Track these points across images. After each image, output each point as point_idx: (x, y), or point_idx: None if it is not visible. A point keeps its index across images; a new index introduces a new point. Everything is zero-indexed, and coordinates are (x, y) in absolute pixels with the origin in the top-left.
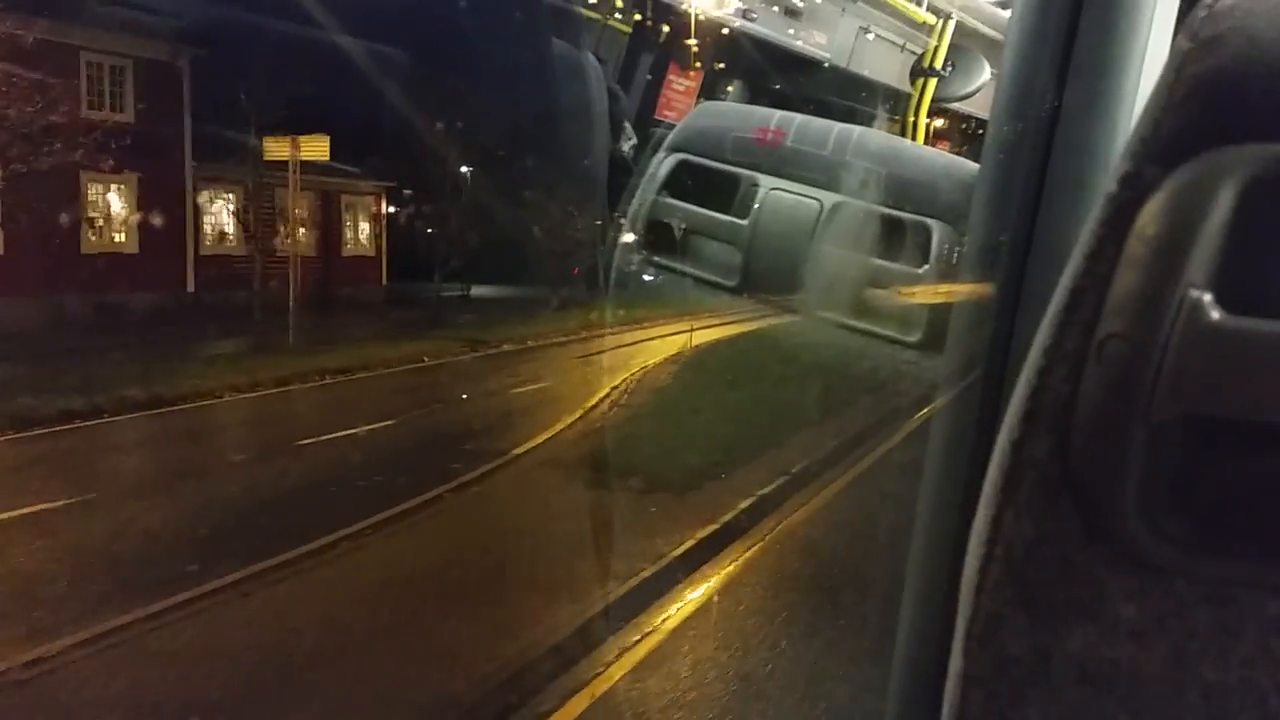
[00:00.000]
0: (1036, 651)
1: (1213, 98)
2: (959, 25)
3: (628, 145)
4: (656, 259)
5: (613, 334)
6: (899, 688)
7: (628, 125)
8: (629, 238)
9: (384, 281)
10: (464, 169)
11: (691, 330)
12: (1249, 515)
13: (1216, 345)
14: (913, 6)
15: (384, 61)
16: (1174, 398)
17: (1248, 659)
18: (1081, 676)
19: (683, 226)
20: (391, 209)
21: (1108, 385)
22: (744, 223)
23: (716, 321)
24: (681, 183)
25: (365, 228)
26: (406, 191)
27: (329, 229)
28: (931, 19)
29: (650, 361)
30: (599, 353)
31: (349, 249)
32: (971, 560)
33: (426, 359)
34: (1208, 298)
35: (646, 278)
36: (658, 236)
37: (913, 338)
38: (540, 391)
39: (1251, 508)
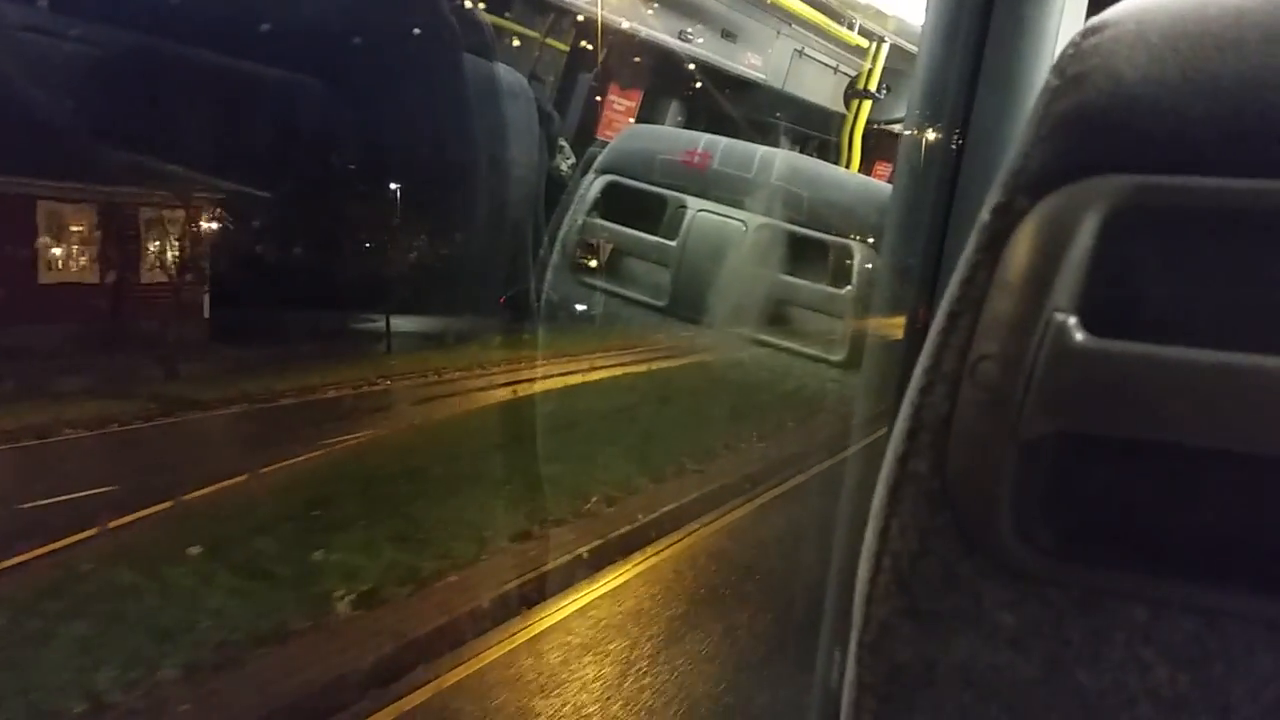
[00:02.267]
0: (923, 659)
1: (1076, 132)
2: (895, 50)
3: (565, 164)
4: (587, 280)
5: (525, 378)
6: (819, 695)
7: (565, 145)
8: (559, 259)
9: (206, 314)
10: (359, 190)
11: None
12: (1116, 527)
13: (1080, 365)
14: (844, 30)
15: (262, 78)
16: (1041, 415)
17: (1118, 664)
18: (966, 682)
19: (612, 247)
20: (238, 227)
21: (980, 404)
22: (673, 244)
23: (647, 355)
24: (611, 204)
25: (179, 249)
26: (275, 212)
27: (121, 251)
28: (864, 42)
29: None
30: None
31: (152, 274)
32: (863, 571)
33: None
34: (1072, 320)
35: (579, 306)
36: (588, 258)
37: (837, 356)
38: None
39: (1117, 520)
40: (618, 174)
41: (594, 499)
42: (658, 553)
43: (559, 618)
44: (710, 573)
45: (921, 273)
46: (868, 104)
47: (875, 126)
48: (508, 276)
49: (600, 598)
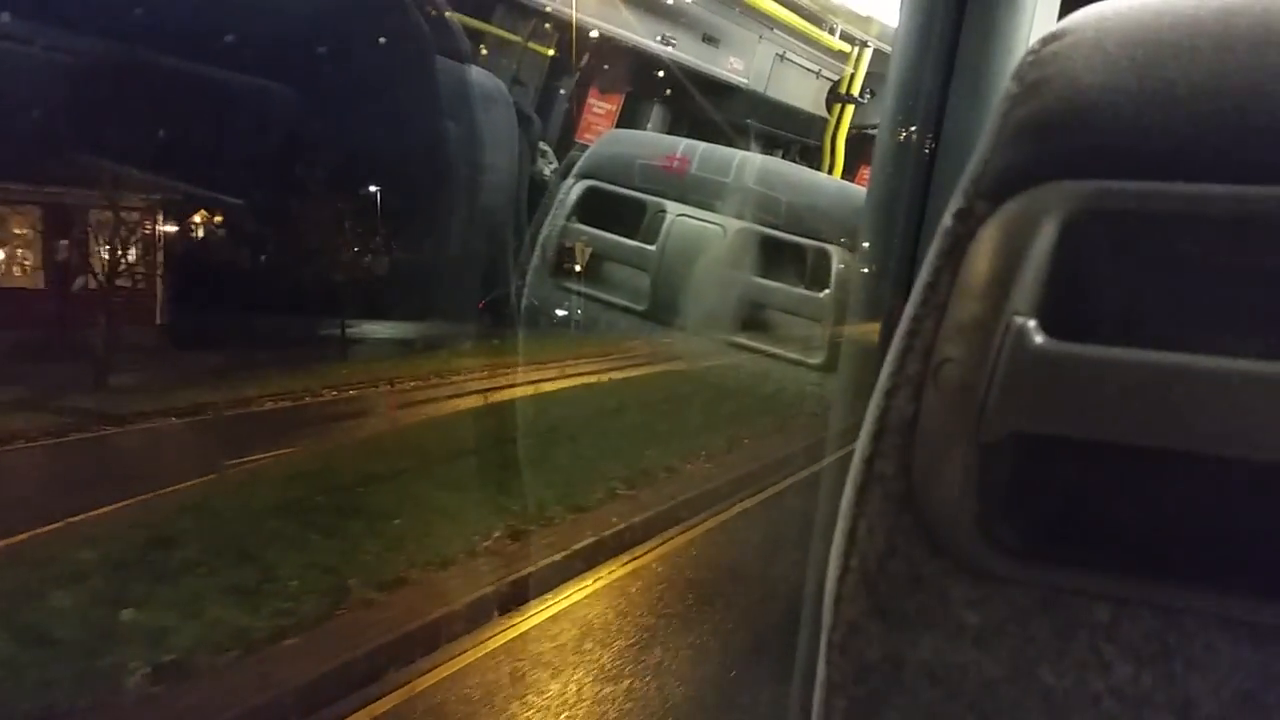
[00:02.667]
0: (891, 659)
1: (1035, 138)
2: (879, 54)
3: (548, 169)
4: (567, 285)
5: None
6: (798, 695)
7: (547, 149)
8: (539, 263)
9: (157, 319)
10: (324, 195)
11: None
12: (1077, 526)
13: (1040, 367)
14: (826, 35)
15: (229, 83)
16: (1003, 417)
17: (1081, 662)
18: (932, 681)
19: (592, 252)
20: (197, 232)
21: (944, 406)
22: (652, 248)
23: (625, 362)
24: (591, 209)
25: (130, 253)
26: (237, 217)
27: (67, 254)
28: (846, 47)
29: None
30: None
31: (101, 279)
32: (831, 571)
33: None
34: (1032, 324)
35: (559, 311)
36: (568, 262)
37: (815, 360)
38: None
39: (1078, 520)
40: (597, 179)
41: (477, 544)
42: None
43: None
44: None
45: (896, 275)
46: (850, 109)
47: (858, 131)
48: (485, 281)
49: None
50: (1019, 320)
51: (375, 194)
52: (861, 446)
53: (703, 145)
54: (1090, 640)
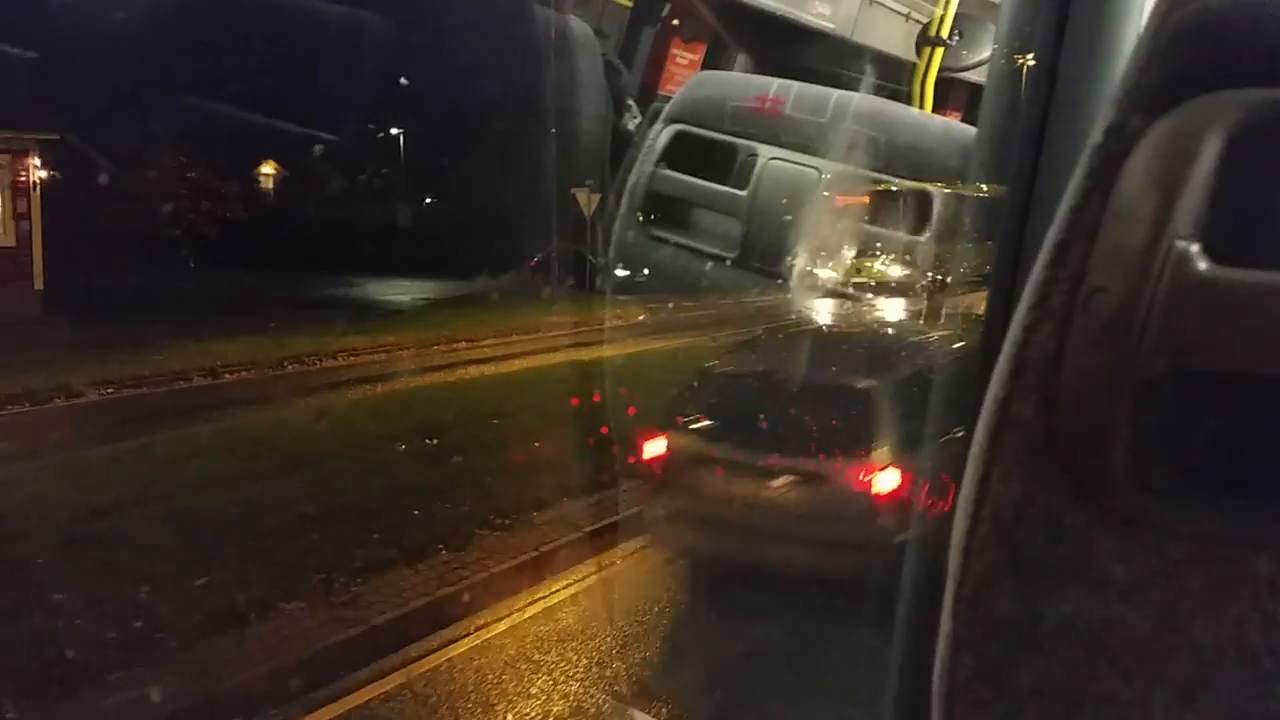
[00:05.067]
0: (1026, 613)
1: (1197, 44)
2: None
3: (632, 122)
4: (655, 232)
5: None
6: (900, 649)
7: (631, 102)
8: (626, 211)
9: (39, 284)
10: (396, 138)
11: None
12: (1240, 471)
13: (1204, 297)
14: None
15: (323, 14)
16: (1162, 351)
17: (1238, 618)
18: (1072, 637)
19: (681, 198)
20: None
21: (1094, 340)
22: (743, 193)
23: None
24: (680, 154)
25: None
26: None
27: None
28: None
29: None
30: None
31: None
32: (959, 522)
33: None
34: (1195, 249)
35: (642, 261)
36: (656, 210)
37: (916, 306)
38: None
39: (1242, 463)
40: (686, 123)
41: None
42: None
43: None
44: None
45: (1010, 212)
46: (940, 51)
47: (946, 74)
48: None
49: None
50: (1180, 245)
51: (498, 148)
52: (996, 387)
53: (797, 85)
54: (1251, 595)
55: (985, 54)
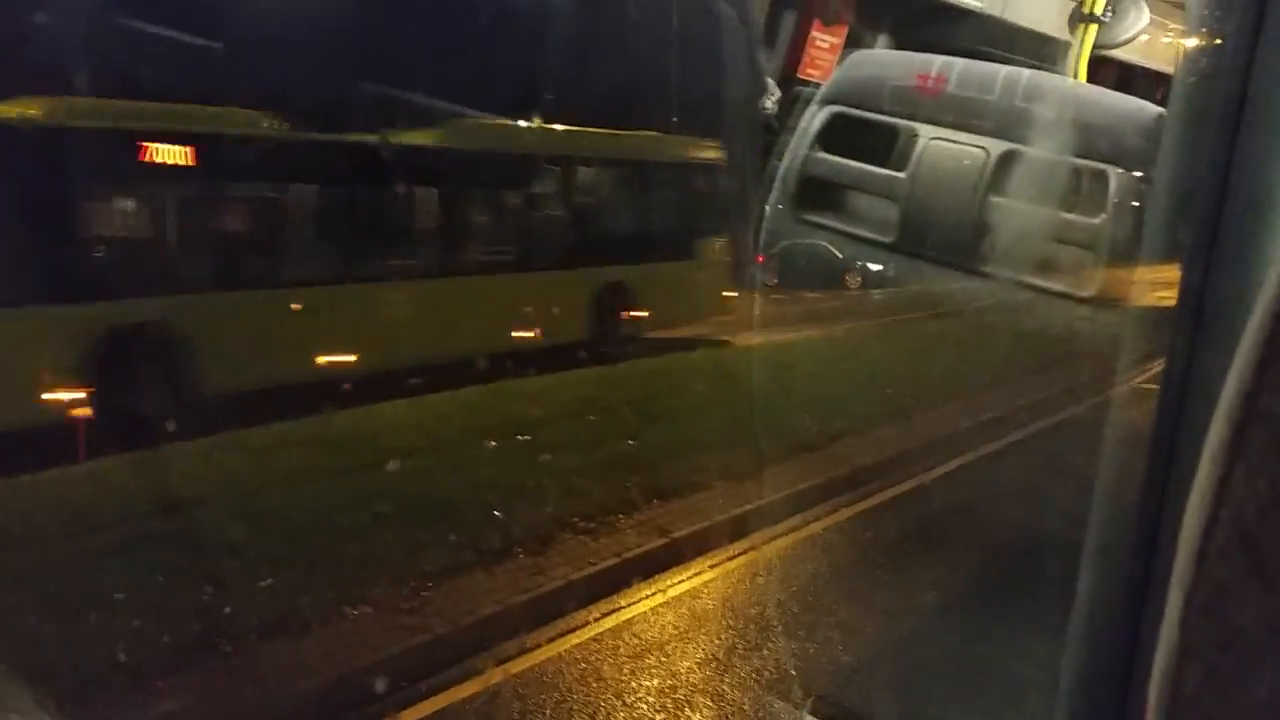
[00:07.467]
0: (1268, 625)
1: None
2: None
3: (771, 103)
4: (809, 218)
5: None
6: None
7: (771, 84)
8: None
9: None
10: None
11: None
12: None
13: None
14: None
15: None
16: None
17: None
18: None
19: (836, 181)
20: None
21: None
22: (902, 175)
23: None
24: (835, 136)
25: None
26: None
27: None
28: None
29: None
30: None
31: None
32: (1192, 524)
33: None
34: None
35: (800, 247)
36: (810, 193)
37: (1086, 292)
38: None
39: None
40: (843, 104)
41: None
42: None
43: None
44: None
45: (1205, 191)
46: (1094, 29)
47: (1098, 51)
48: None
49: None
50: None
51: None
52: (1239, 379)
53: (961, 61)
54: None
55: (1134, 30)
